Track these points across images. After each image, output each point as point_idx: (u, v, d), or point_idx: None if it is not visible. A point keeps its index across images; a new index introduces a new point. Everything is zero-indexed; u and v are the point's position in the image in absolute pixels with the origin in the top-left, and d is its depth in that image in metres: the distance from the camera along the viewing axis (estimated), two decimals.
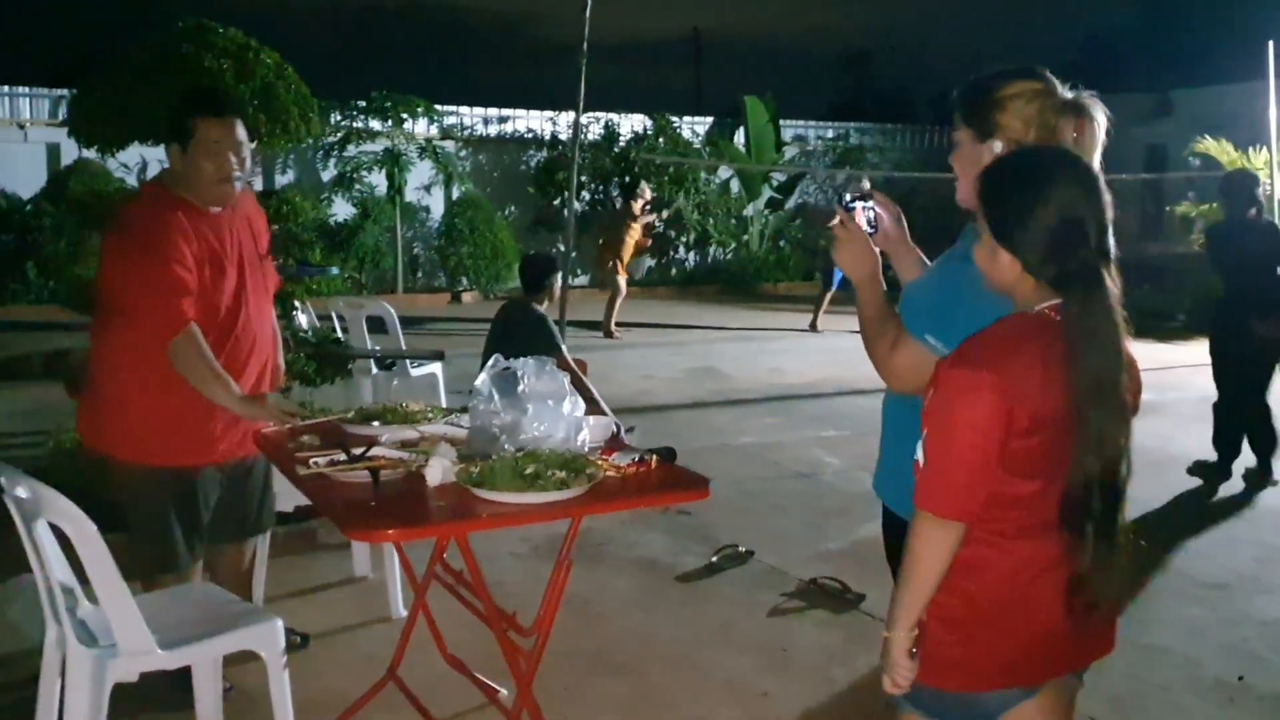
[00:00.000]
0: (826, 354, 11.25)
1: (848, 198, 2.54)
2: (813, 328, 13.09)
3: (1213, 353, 6.90)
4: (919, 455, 2.04)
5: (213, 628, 3.08)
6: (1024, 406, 1.95)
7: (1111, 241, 2.04)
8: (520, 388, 3.08)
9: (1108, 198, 2.05)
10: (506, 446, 2.97)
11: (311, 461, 2.97)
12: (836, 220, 2.45)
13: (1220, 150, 13.06)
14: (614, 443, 3.13)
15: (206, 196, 3.55)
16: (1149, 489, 6.48)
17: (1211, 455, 6.73)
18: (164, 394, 3.45)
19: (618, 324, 12.76)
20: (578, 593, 3.12)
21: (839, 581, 4.72)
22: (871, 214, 2.52)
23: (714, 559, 5.08)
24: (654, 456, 2.96)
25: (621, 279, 12.77)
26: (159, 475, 3.56)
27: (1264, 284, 6.44)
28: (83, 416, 3.78)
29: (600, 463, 2.90)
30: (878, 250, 2.45)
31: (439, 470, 2.81)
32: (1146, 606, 4.67)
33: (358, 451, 3.02)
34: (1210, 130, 13.44)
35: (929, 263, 2.59)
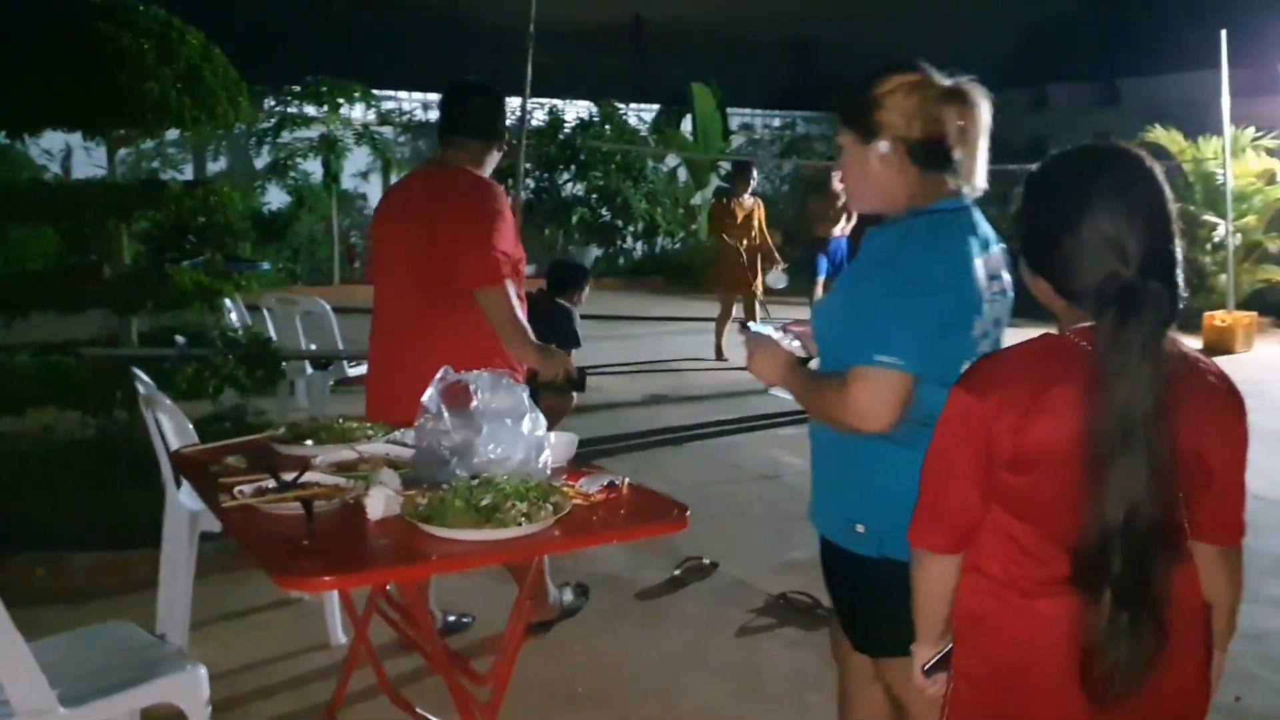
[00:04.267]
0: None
1: (766, 329, 2.43)
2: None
3: None
4: None
5: (127, 677, 2.72)
6: (1006, 436, 1.72)
7: (1175, 254, 1.75)
8: (473, 404, 2.76)
9: (1162, 205, 1.77)
10: (458, 471, 2.65)
11: (237, 490, 2.63)
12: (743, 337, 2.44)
13: (1170, 139, 12.98)
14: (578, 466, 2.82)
15: None
16: None
17: None
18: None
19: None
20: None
21: (809, 596, 4.45)
22: (796, 342, 2.39)
23: (677, 572, 4.78)
24: (625, 480, 2.66)
25: None
26: None
27: None
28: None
29: (566, 490, 2.59)
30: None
31: (381, 501, 2.48)
32: None
33: (289, 477, 2.68)
34: (1158, 119, 13.36)
35: None
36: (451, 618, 4.20)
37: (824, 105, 23.67)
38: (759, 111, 20.33)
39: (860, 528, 2.24)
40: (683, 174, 18.51)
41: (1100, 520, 1.67)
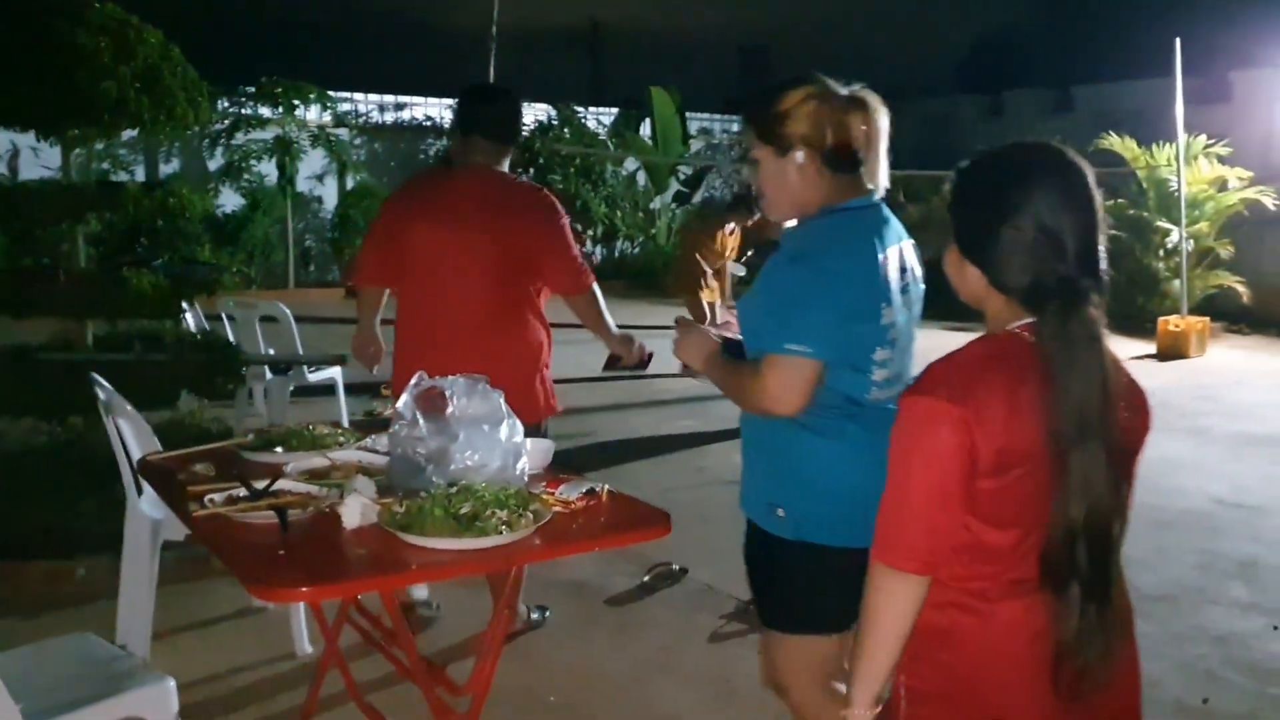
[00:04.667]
0: None
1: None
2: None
3: None
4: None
5: (93, 691, 2.64)
6: (990, 441, 1.70)
7: (1102, 254, 1.77)
8: (449, 409, 2.72)
9: (1094, 203, 1.77)
10: (435, 480, 2.60)
11: (207, 498, 2.57)
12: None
13: (1124, 147, 13.13)
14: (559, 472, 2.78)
15: None
16: None
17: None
18: None
19: None
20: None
21: None
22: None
23: (646, 578, 4.75)
24: (604, 487, 2.62)
25: None
26: None
27: None
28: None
29: (545, 497, 2.55)
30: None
31: (357, 510, 2.43)
32: None
33: (260, 485, 2.62)
34: (1112, 126, 13.51)
35: None
36: (535, 615, 4.31)
37: None
38: (718, 116, 20.37)
39: (780, 511, 2.40)
40: (642, 178, 18.49)
41: (1066, 515, 1.70)
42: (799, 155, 2.36)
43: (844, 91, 2.38)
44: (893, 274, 2.35)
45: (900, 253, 2.41)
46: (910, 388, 1.78)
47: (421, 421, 2.70)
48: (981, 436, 1.69)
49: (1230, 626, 4.44)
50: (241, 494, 2.59)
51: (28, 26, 5.23)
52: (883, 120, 2.40)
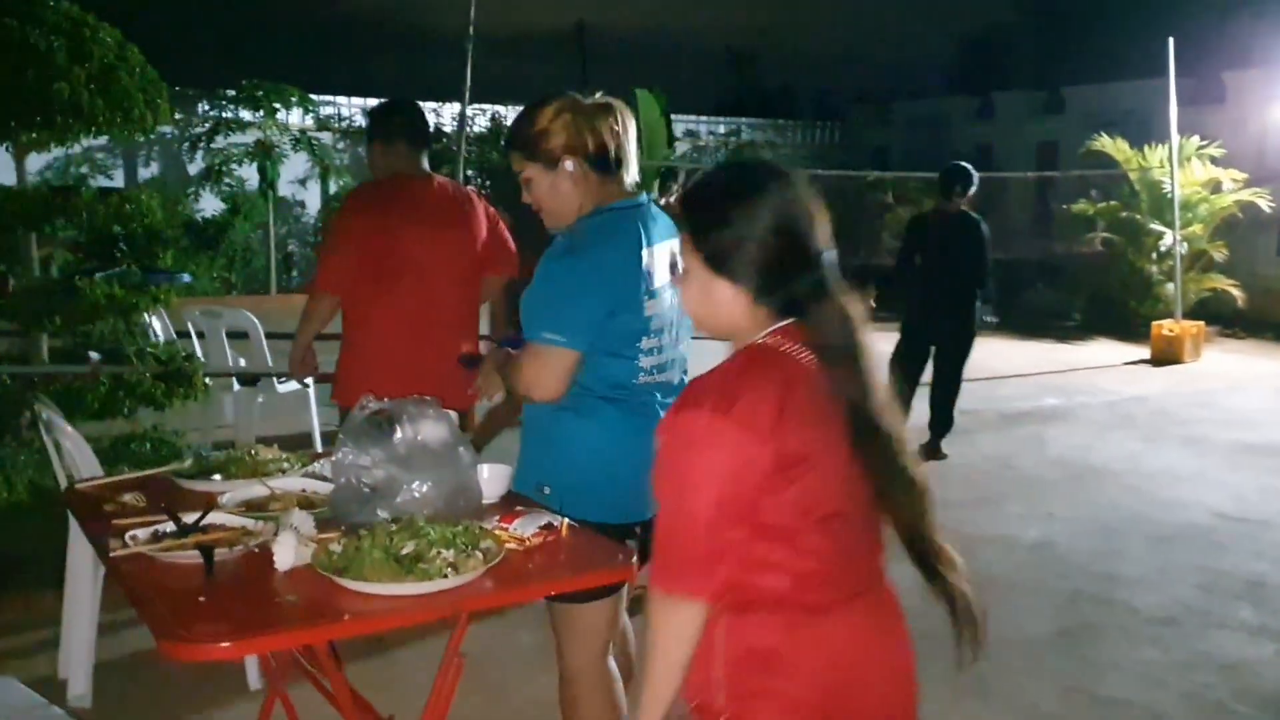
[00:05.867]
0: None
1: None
2: None
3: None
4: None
5: None
6: (766, 447, 1.65)
7: (832, 253, 1.80)
8: (396, 435, 2.49)
9: (822, 212, 1.82)
10: (379, 512, 2.38)
11: (129, 535, 2.33)
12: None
13: (1116, 148, 12.97)
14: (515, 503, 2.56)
15: None
16: (1072, 507, 6.14)
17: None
18: None
19: None
20: (468, 652, 2.59)
21: None
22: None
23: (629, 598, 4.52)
24: (565, 521, 2.40)
25: None
26: None
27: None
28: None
29: (498, 533, 2.33)
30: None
31: (290, 549, 2.19)
32: (1097, 647, 4.26)
33: (190, 519, 2.39)
34: (1104, 127, 13.36)
35: None
36: None
37: (766, 112, 23.65)
38: (703, 118, 20.18)
39: (546, 489, 2.57)
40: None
41: (888, 502, 1.75)
42: (568, 164, 2.52)
43: (589, 100, 2.57)
44: (659, 268, 2.52)
45: (671, 249, 2.55)
46: (674, 407, 1.73)
47: (368, 448, 2.47)
48: (756, 445, 1.64)
49: (1239, 653, 4.22)
50: (168, 529, 2.37)
51: None
52: (629, 122, 2.62)
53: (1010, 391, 9.71)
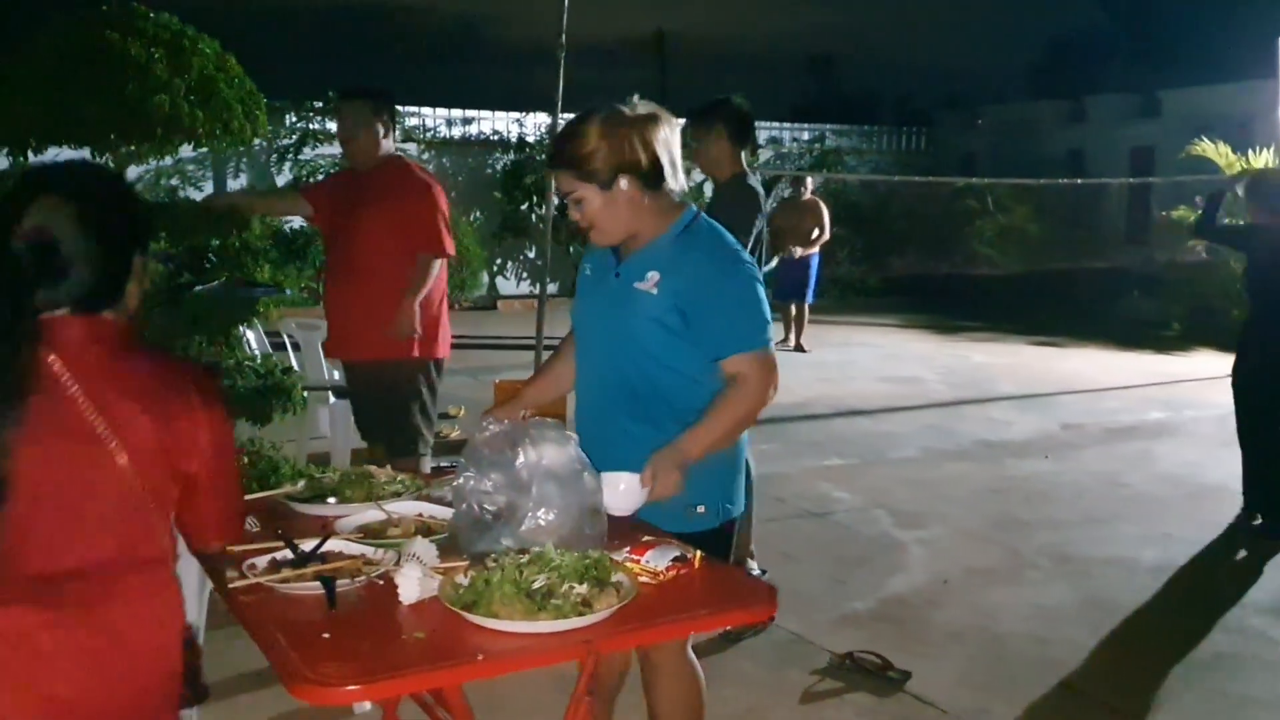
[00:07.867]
0: (812, 369, 10.45)
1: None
2: (798, 348, 12.16)
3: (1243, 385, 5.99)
4: None
5: None
6: None
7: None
8: (519, 459, 2.38)
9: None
10: (502, 540, 2.27)
11: (247, 565, 2.25)
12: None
13: (1217, 153, 12.53)
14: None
15: None
16: (1186, 527, 5.87)
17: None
18: None
19: None
20: (557, 673, 2.45)
21: (878, 656, 4.05)
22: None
23: (728, 626, 4.38)
24: (696, 554, 2.27)
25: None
26: None
27: None
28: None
29: (630, 565, 2.20)
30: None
31: (415, 581, 2.10)
32: (1237, 679, 4.02)
33: (307, 547, 2.30)
34: (1204, 131, 12.91)
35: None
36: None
37: (849, 118, 23.37)
38: (786, 125, 19.95)
39: (701, 509, 2.59)
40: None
41: None
42: (623, 182, 2.46)
43: (630, 111, 2.49)
44: None
45: None
46: None
47: (490, 472, 2.37)
48: None
49: None
50: (287, 558, 2.28)
51: (81, 40, 5.03)
52: (675, 129, 2.54)
53: (1113, 404, 9.39)
